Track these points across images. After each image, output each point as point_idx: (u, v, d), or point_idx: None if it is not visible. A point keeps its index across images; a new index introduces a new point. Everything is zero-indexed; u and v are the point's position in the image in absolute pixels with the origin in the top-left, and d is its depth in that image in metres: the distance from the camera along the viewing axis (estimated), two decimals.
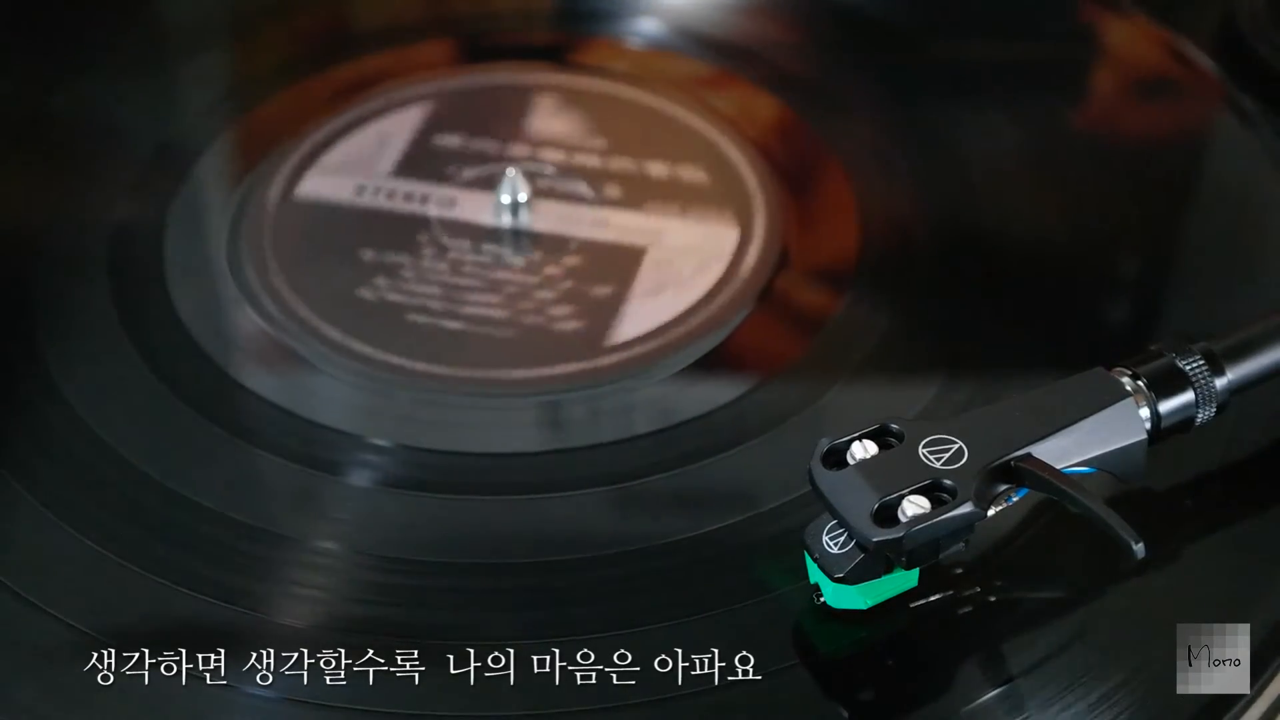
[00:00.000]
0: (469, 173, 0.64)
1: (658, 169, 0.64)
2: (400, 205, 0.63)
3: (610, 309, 0.58)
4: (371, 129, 0.66)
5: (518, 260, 0.61)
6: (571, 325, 0.58)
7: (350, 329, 0.58)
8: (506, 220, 0.62)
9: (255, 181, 0.64)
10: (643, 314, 0.58)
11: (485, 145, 0.65)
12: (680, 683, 0.46)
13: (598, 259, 0.61)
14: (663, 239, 0.61)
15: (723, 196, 0.63)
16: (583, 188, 0.63)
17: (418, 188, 0.63)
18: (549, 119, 0.66)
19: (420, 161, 0.64)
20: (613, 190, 0.63)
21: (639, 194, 0.63)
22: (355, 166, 0.64)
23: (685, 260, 0.60)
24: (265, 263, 0.60)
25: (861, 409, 0.55)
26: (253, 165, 0.65)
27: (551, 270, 0.60)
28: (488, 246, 0.61)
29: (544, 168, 0.64)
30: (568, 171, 0.64)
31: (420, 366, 0.56)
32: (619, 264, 0.60)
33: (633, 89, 0.68)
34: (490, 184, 0.63)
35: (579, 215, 0.62)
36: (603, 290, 0.59)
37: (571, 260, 0.60)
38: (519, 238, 0.61)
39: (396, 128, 0.66)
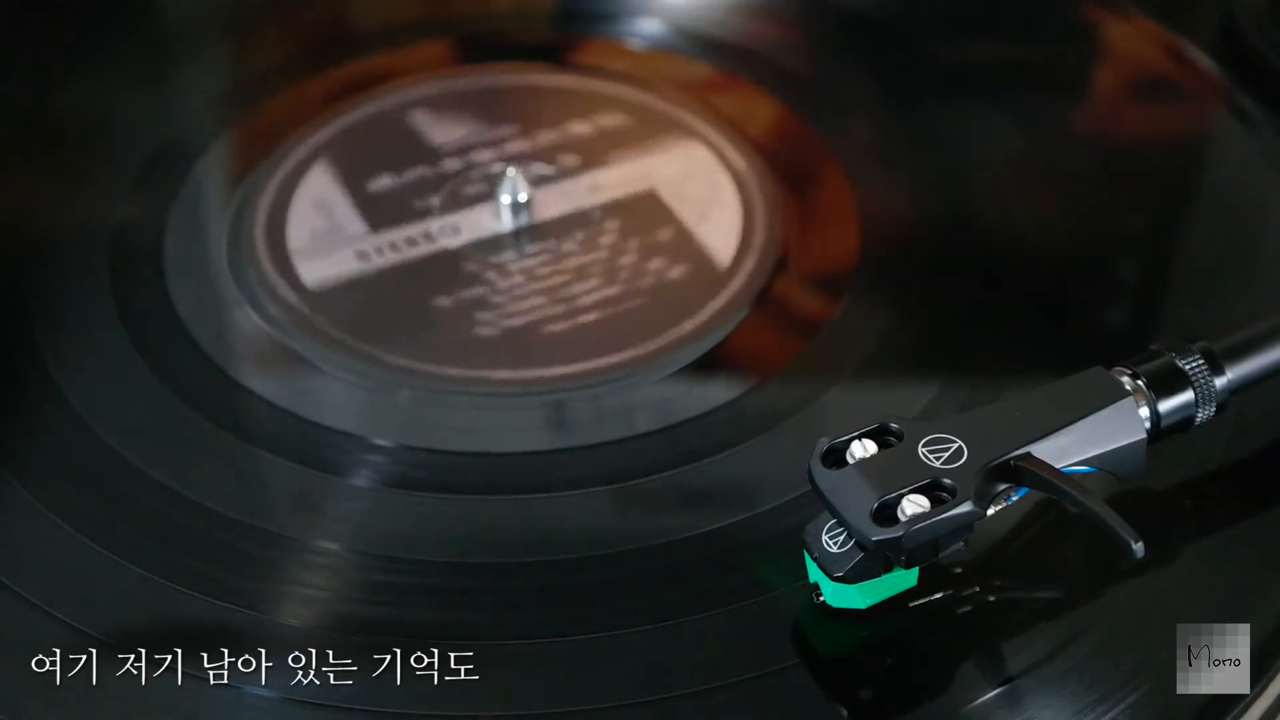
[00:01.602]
0: (436, 199, 0.63)
1: (581, 126, 0.66)
2: (420, 251, 0.61)
3: (691, 243, 0.60)
4: (303, 200, 0.63)
5: (572, 246, 0.61)
6: (678, 272, 0.59)
7: (351, 329, 0.58)
8: (521, 219, 0.62)
9: (255, 181, 0.64)
10: (719, 234, 0.60)
11: (420, 172, 0.65)
12: (680, 682, 0.46)
13: (630, 214, 0.62)
14: (655, 174, 0.63)
15: (652, 127, 0.65)
16: (543, 167, 0.64)
17: (410, 231, 0.62)
18: (448, 127, 0.66)
19: (382, 210, 0.63)
20: (569, 160, 0.64)
21: (595, 154, 0.65)
22: (331, 240, 0.62)
23: (692, 183, 0.63)
24: (264, 262, 0.60)
25: (861, 409, 0.55)
26: (253, 165, 0.65)
27: (611, 239, 0.61)
28: (533, 247, 0.61)
29: (493, 167, 0.64)
30: (519, 159, 0.64)
31: (419, 366, 0.56)
32: (651, 209, 0.62)
33: (633, 89, 0.68)
34: (473, 199, 0.63)
35: (567, 190, 0.63)
36: (665, 234, 0.61)
37: (611, 225, 0.61)
38: (542, 229, 0.62)
39: (322, 190, 0.64)
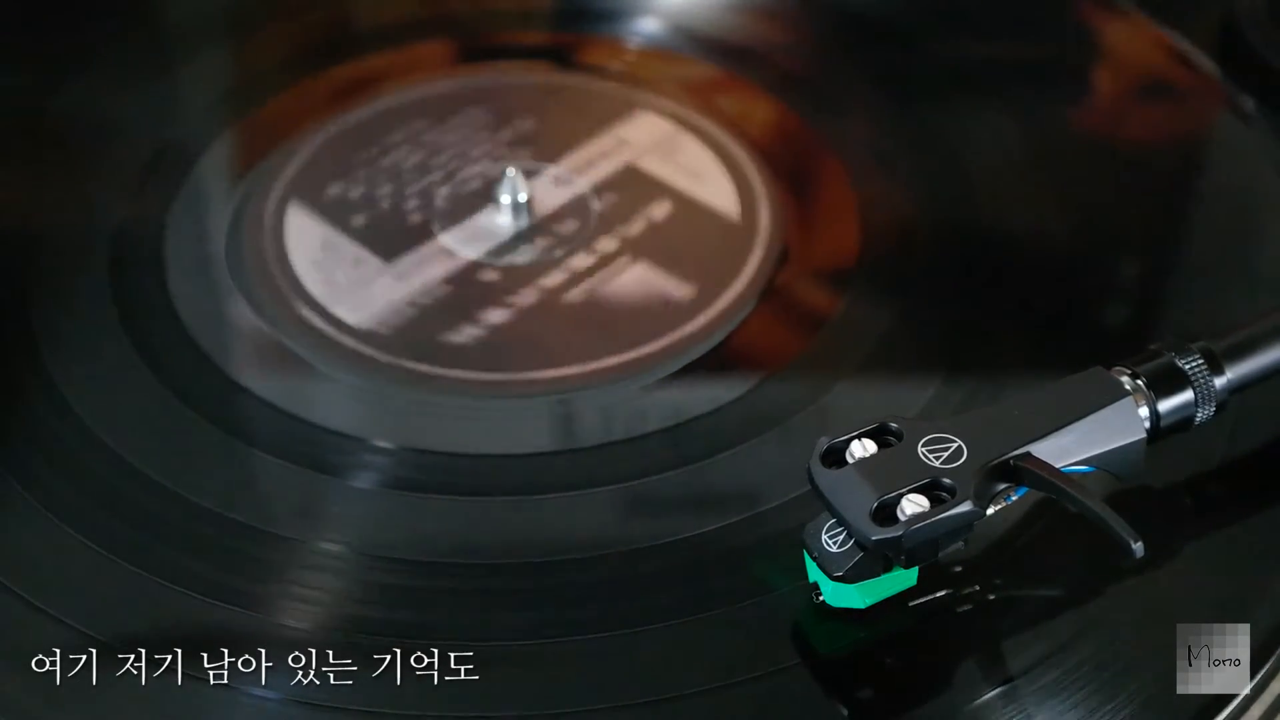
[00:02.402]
0: (436, 200, 0.63)
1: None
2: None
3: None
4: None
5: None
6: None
7: (349, 329, 0.58)
8: (521, 219, 0.62)
9: (255, 181, 0.64)
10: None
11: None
12: (680, 682, 0.46)
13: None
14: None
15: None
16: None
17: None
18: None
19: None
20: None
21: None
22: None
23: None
24: (265, 263, 0.60)
25: (861, 408, 0.55)
26: (253, 165, 0.65)
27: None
28: (533, 247, 0.61)
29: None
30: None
31: (422, 368, 0.56)
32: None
33: (633, 89, 0.68)
34: (472, 199, 0.63)
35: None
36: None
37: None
38: (542, 229, 0.62)
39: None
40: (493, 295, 0.59)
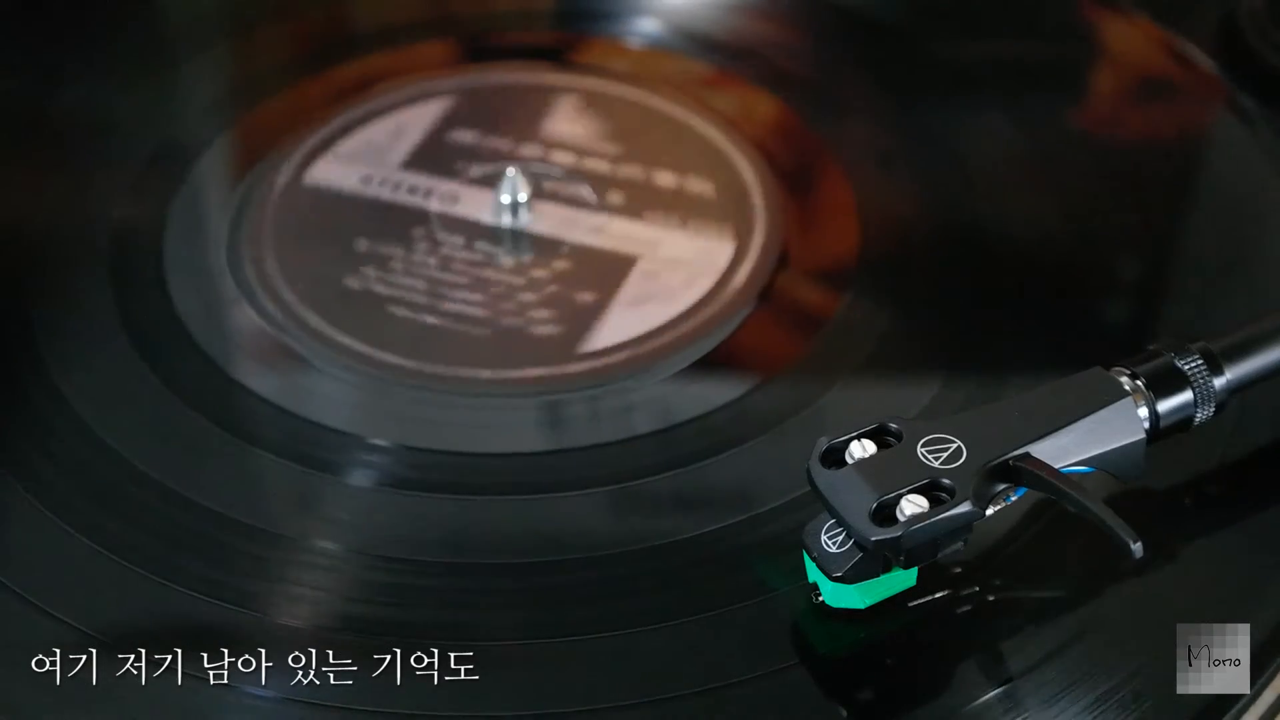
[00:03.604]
0: (477, 170, 0.64)
1: (665, 178, 0.64)
2: (404, 198, 0.63)
3: (590, 315, 0.58)
4: (391, 119, 0.66)
5: (508, 260, 0.61)
6: (548, 329, 0.58)
7: (347, 328, 0.58)
8: (506, 220, 0.62)
9: (255, 181, 0.64)
10: (622, 323, 0.58)
11: (498, 143, 0.65)
12: (680, 683, 0.46)
13: (587, 265, 0.60)
14: (657, 250, 0.61)
15: (725, 210, 0.62)
16: (586, 191, 0.63)
17: (424, 181, 0.63)
18: (564, 121, 0.66)
19: (432, 156, 0.65)
20: (616, 197, 0.63)
21: (641, 202, 0.63)
22: (367, 156, 0.64)
23: (674, 273, 0.60)
24: (265, 262, 0.60)
25: (861, 409, 0.54)
26: (252, 165, 0.65)
27: (539, 273, 0.60)
28: (481, 244, 0.61)
29: (552, 169, 0.64)
30: (575, 174, 0.64)
31: (419, 366, 0.56)
32: (608, 271, 0.60)
33: (633, 89, 0.68)
34: (496, 182, 0.63)
35: (578, 219, 0.62)
36: (586, 296, 0.59)
37: (561, 264, 0.60)
38: (516, 237, 0.62)
39: (415, 119, 0.66)
40: (496, 293, 0.59)
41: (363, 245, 0.61)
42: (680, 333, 0.58)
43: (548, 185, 0.63)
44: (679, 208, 0.63)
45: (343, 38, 0.73)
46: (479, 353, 0.57)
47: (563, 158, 0.65)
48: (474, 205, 0.63)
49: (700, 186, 0.64)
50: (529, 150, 0.65)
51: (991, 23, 0.72)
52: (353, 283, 0.59)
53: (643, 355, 0.57)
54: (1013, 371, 0.56)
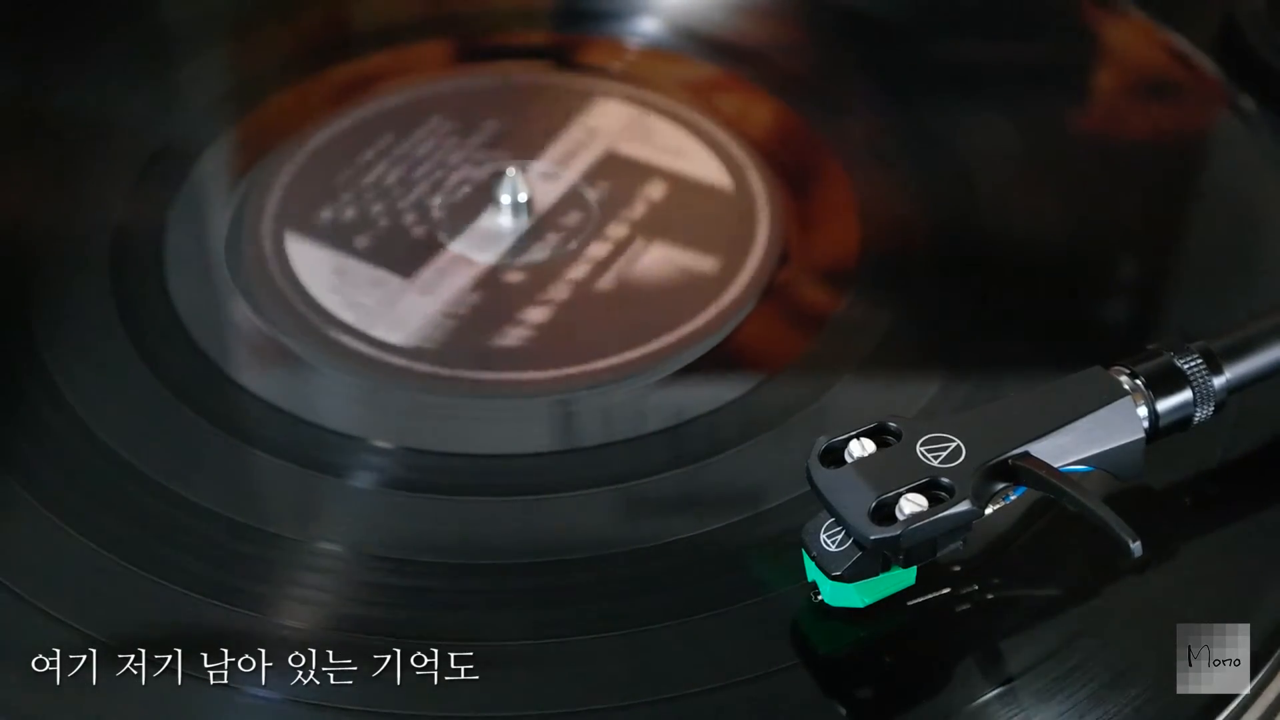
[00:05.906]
0: (477, 170, 0.63)
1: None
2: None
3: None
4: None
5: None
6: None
7: (348, 328, 0.58)
8: (506, 220, 0.62)
9: (255, 181, 0.64)
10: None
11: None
12: (680, 682, 0.46)
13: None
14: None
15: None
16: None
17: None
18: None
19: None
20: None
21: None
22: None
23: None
24: (265, 262, 0.60)
25: (861, 408, 0.55)
26: (252, 165, 0.65)
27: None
28: (482, 245, 0.61)
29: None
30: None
31: (420, 367, 0.56)
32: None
33: (633, 89, 0.68)
34: (496, 182, 0.63)
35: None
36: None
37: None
38: (516, 238, 0.61)
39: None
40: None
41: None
42: (681, 333, 0.58)
43: (548, 186, 0.63)
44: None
45: (342, 38, 0.73)
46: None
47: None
48: (474, 206, 0.63)
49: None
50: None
51: (992, 23, 0.72)
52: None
53: (643, 356, 0.57)
54: (1012, 371, 0.56)
